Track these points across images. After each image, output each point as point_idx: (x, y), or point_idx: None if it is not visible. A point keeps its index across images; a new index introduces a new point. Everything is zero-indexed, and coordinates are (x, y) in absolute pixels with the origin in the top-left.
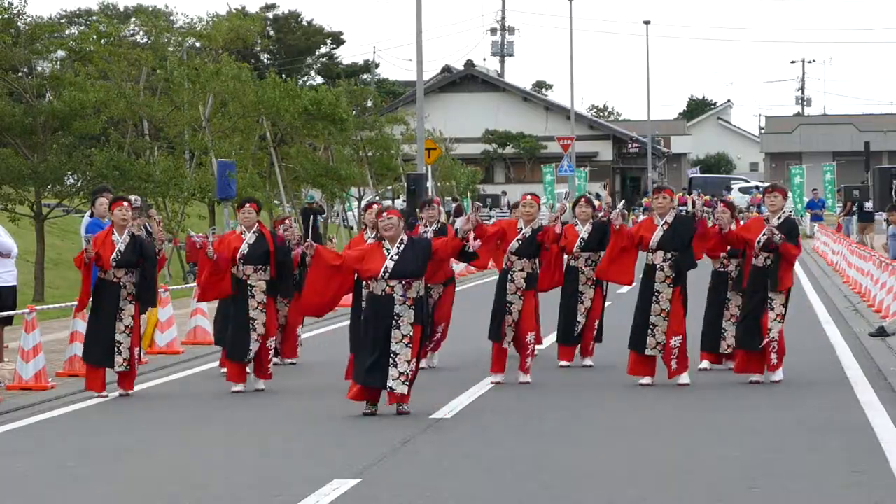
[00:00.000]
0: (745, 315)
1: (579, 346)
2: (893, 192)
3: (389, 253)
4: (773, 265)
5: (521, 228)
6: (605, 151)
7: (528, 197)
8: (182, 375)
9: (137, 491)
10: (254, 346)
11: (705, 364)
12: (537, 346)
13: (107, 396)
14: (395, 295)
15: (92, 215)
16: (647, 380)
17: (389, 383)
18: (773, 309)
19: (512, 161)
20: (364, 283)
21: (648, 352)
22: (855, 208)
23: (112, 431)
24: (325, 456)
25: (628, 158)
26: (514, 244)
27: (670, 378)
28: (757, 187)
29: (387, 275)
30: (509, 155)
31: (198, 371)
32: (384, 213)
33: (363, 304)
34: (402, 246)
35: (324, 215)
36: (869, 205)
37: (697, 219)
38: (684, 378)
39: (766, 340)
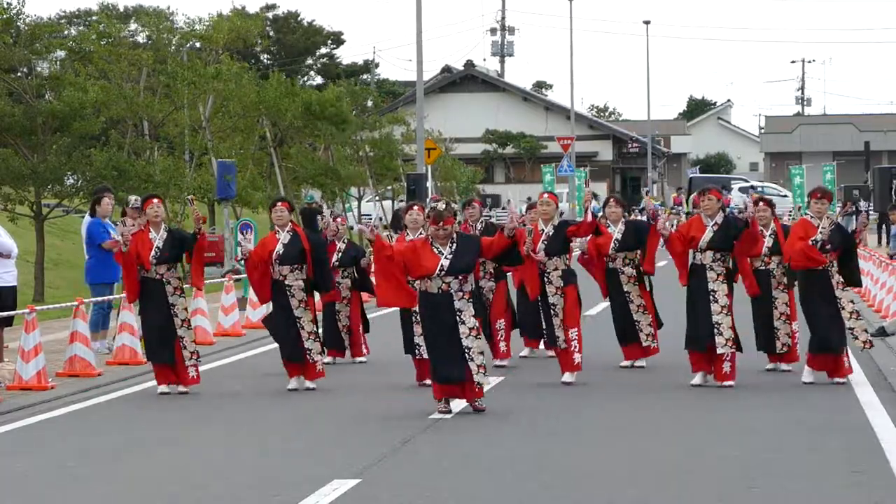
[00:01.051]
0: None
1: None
2: (893, 192)
3: (443, 252)
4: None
5: (543, 228)
6: (605, 151)
7: (545, 196)
8: None
9: (137, 491)
10: (309, 345)
11: (771, 365)
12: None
13: (168, 392)
14: (451, 291)
15: (94, 215)
16: (699, 378)
17: (476, 378)
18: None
19: (512, 161)
20: (414, 282)
21: (721, 349)
22: (854, 208)
23: (112, 431)
24: (325, 456)
25: (628, 158)
26: (540, 245)
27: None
28: (753, 187)
29: (443, 272)
30: (509, 155)
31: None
32: (441, 223)
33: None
34: (455, 244)
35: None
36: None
37: (750, 220)
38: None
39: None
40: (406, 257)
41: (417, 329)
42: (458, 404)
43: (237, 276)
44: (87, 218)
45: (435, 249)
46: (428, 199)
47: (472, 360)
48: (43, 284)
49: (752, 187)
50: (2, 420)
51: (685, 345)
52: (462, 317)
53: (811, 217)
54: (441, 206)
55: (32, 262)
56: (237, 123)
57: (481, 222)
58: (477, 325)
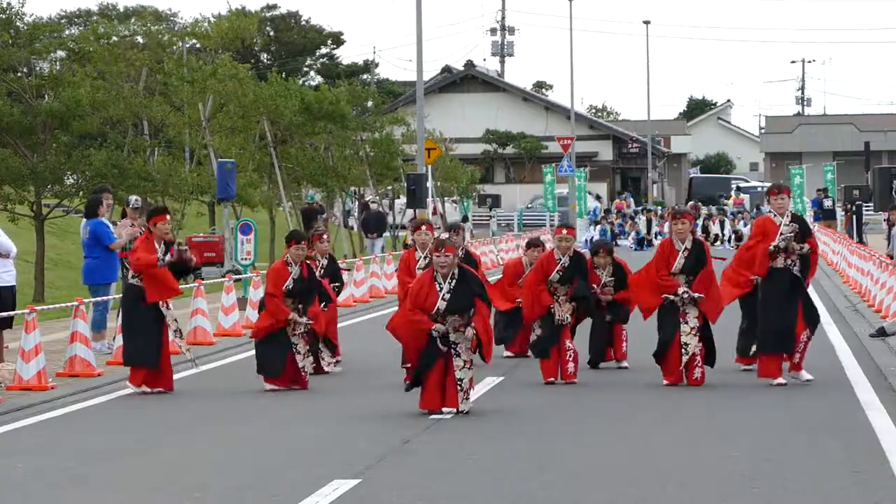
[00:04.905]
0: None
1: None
2: (894, 192)
3: (441, 290)
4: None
5: (560, 259)
6: (605, 151)
7: (565, 231)
8: (182, 376)
9: (137, 491)
10: (304, 364)
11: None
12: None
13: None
14: (448, 327)
15: (93, 216)
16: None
17: (461, 406)
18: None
19: (512, 161)
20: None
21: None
22: (853, 207)
23: (112, 431)
24: (325, 456)
25: (628, 158)
26: (554, 275)
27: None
28: (739, 188)
29: (439, 313)
30: (509, 155)
31: (197, 371)
32: (442, 250)
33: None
34: (454, 282)
35: (324, 215)
36: (828, 203)
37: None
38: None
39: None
40: (414, 294)
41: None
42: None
43: (237, 277)
44: (85, 219)
45: (437, 284)
46: (428, 199)
47: (461, 389)
48: (43, 284)
49: (738, 189)
50: (2, 420)
51: (655, 357)
52: (457, 349)
53: (773, 215)
54: (444, 236)
55: (32, 262)
56: (237, 123)
57: (462, 250)
58: (472, 357)
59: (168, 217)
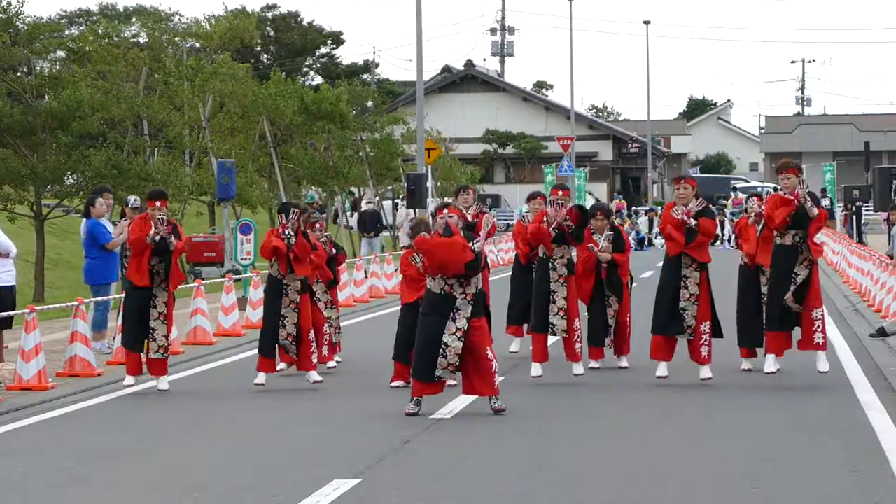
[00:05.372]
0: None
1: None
2: (893, 192)
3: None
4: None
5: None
6: (605, 151)
7: (560, 192)
8: (182, 376)
9: (137, 491)
10: (289, 344)
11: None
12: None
13: (133, 385)
14: (454, 294)
15: (89, 216)
16: (663, 369)
17: (437, 372)
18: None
19: (512, 161)
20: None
21: (688, 336)
22: (853, 207)
23: (112, 431)
24: (325, 456)
25: (628, 158)
26: (552, 231)
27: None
28: (735, 188)
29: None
30: (509, 155)
31: (198, 371)
32: (445, 210)
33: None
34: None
35: (324, 215)
36: (826, 203)
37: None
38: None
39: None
40: (443, 251)
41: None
42: (458, 404)
43: (237, 277)
44: (84, 219)
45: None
46: (429, 200)
47: (444, 356)
48: (43, 284)
49: (734, 189)
50: (2, 420)
51: (652, 330)
52: (455, 315)
53: (784, 193)
54: (445, 200)
55: (32, 262)
56: (237, 124)
57: (477, 207)
58: (466, 326)
59: (158, 203)
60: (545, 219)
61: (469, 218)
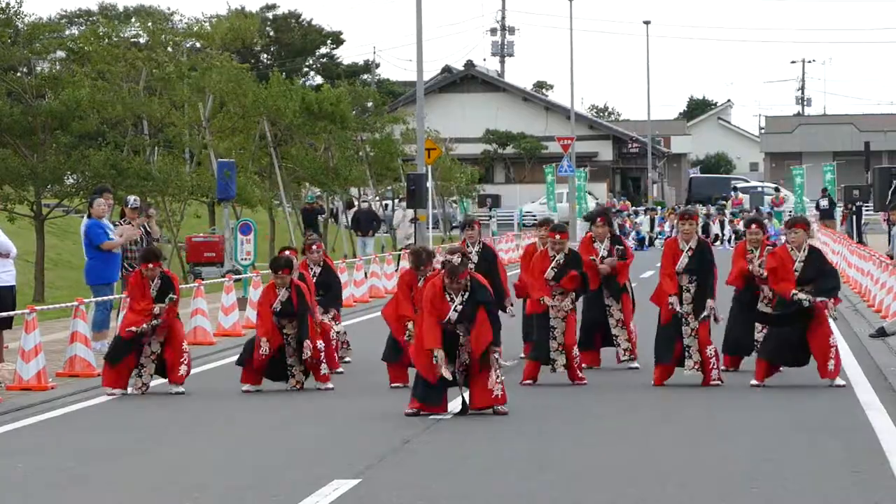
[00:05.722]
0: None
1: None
2: (892, 192)
3: (454, 303)
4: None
5: (554, 256)
6: (605, 151)
7: (558, 236)
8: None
9: (137, 491)
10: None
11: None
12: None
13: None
14: (459, 333)
15: (90, 216)
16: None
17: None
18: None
19: (512, 161)
20: None
21: (688, 371)
22: (853, 207)
23: (112, 431)
24: (325, 456)
25: (628, 158)
26: (549, 272)
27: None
28: (735, 189)
29: (451, 322)
30: (509, 155)
31: (198, 371)
32: (455, 277)
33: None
34: (467, 293)
35: (324, 215)
36: (825, 203)
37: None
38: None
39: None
40: (427, 301)
41: None
42: (458, 404)
43: (237, 277)
44: (86, 219)
45: (448, 296)
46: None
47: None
48: (43, 284)
49: (734, 189)
50: (2, 420)
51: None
52: (460, 351)
53: (790, 249)
54: (456, 260)
55: (32, 262)
56: (237, 124)
57: (479, 244)
58: (468, 360)
59: (151, 265)
60: (541, 300)
61: (474, 256)
